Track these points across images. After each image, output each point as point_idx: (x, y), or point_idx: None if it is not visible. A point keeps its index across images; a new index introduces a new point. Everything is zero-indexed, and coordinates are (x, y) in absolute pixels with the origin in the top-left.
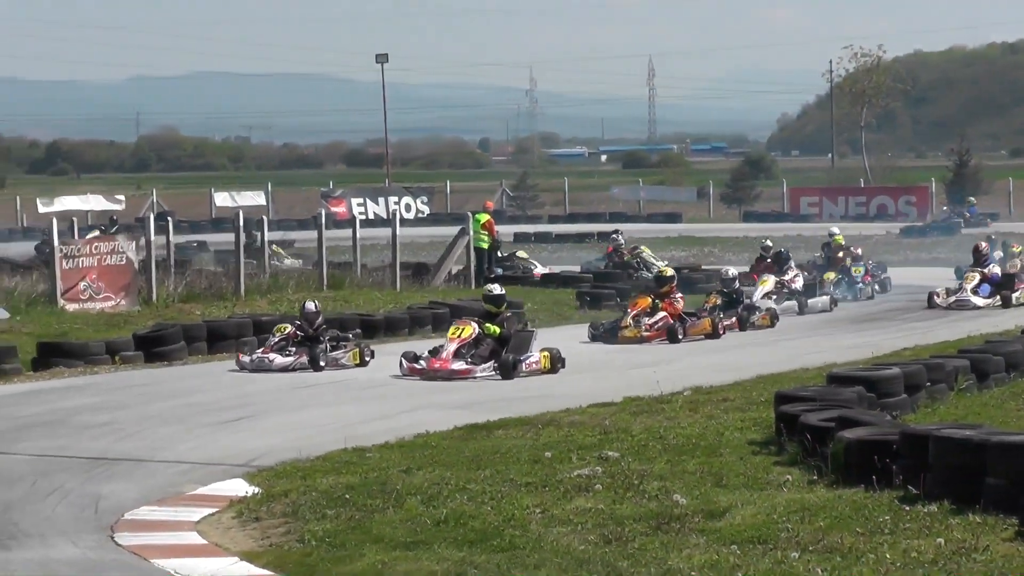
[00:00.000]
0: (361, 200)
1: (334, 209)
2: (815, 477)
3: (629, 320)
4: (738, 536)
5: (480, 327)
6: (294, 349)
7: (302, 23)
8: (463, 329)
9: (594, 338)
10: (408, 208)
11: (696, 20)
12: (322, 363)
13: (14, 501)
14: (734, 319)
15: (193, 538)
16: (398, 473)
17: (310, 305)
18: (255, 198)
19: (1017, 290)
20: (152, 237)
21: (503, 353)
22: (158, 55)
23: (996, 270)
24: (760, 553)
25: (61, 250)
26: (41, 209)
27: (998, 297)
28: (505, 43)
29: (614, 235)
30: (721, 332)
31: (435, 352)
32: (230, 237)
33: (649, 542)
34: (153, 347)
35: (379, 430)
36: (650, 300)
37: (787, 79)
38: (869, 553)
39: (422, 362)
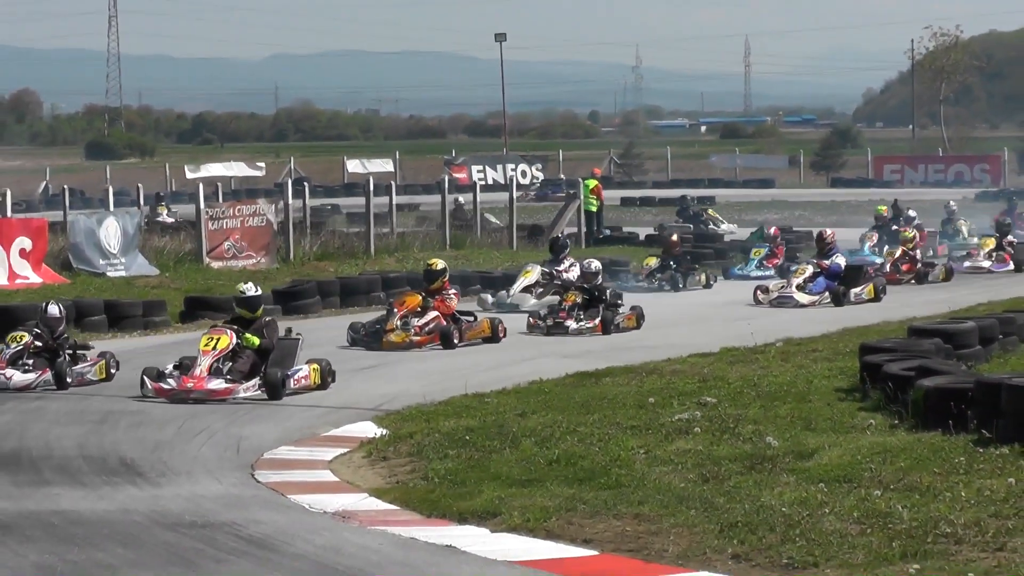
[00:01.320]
0: (481, 167)
1: (456, 175)
2: (896, 422)
3: (396, 322)
4: (825, 475)
5: (239, 336)
6: (31, 363)
7: (428, 4)
8: (218, 339)
9: (354, 342)
10: (524, 174)
11: (789, 2)
12: (68, 379)
13: (163, 442)
14: (597, 321)
15: (326, 475)
16: (514, 416)
17: (53, 308)
18: (384, 165)
19: (861, 287)
20: (290, 201)
21: (265, 367)
22: (295, 35)
23: (839, 261)
24: (845, 491)
25: (207, 212)
26: (188, 175)
27: (826, 295)
28: (613, 23)
29: (683, 197)
30: (501, 335)
31: (185, 368)
32: (361, 200)
33: (743, 480)
34: (291, 301)
35: (496, 377)
36: (420, 298)
37: (872, 56)
38: (946, 491)
39: (171, 380)
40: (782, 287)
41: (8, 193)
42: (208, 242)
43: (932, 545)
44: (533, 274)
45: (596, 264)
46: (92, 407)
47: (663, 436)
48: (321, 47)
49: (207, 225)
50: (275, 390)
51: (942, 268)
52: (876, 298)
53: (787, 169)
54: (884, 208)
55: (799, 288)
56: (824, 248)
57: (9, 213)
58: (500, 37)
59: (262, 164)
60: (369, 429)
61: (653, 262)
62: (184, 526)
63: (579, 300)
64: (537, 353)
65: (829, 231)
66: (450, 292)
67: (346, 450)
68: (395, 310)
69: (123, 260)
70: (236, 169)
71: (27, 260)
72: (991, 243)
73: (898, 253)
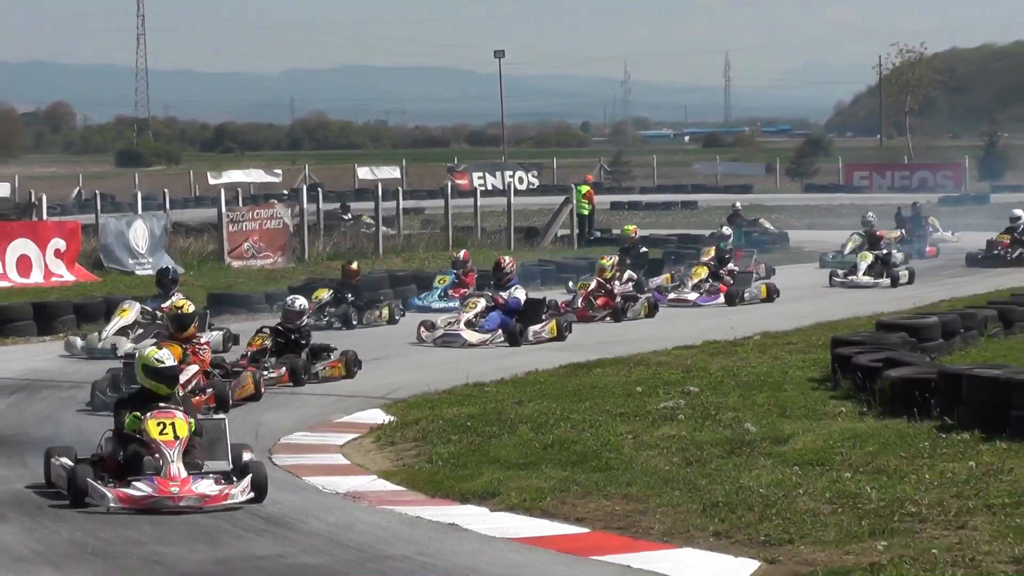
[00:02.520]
0: (481, 174)
1: (458, 181)
2: (865, 409)
3: None
4: (799, 459)
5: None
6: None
7: (433, 23)
8: (174, 424)
9: (96, 408)
10: (521, 180)
11: (766, 21)
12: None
13: None
14: (284, 371)
15: (338, 459)
16: (512, 404)
17: (301, 302)
18: (391, 172)
19: (542, 324)
20: (305, 205)
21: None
22: (310, 51)
23: (518, 295)
24: (818, 473)
25: (227, 215)
26: (211, 181)
27: (499, 333)
28: (603, 41)
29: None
30: (262, 390)
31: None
32: (370, 205)
33: (724, 464)
34: (306, 296)
35: (495, 368)
36: (180, 348)
37: (842, 71)
38: (911, 474)
39: (143, 486)
40: (450, 323)
41: (44, 198)
42: (229, 243)
43: (898, 524)
44: (130, 313)
45: (300, 302)
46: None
47: (649, 422)
48: (334, 63)
49: (228, 227)
50: (261, 492)
51: (644, 303)
52: (559, 336)
53: (764, 175)
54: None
55: (469, 324)
56: (502, 279)
57: (45, 216)
58: (499, 53)
59: (279, 171)
60: (378, 416)
61: (324, 294)
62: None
63: (270, 343)
64: (530, 347)
65: (508, 259)
66: (202, 343)
67: (356, 435)
68: None
69: (150, 259)
70: (255, 176)
71: (61, 259)
72: (702, 272)
73: (592, 285)
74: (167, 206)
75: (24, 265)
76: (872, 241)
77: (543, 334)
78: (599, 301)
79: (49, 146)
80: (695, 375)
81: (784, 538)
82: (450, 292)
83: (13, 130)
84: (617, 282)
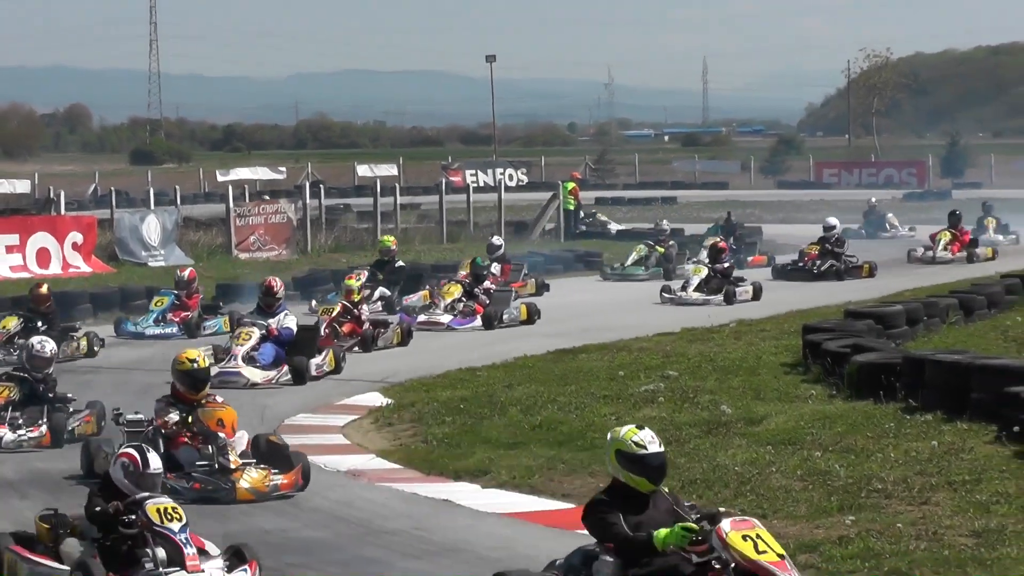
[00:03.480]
0: (473, 171)
1: (452, 178)
2: (834, 392)
3: None
4: (772, 439)
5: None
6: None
7: (428, 31)
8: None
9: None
10: (511, 177)
11: (741, 29)
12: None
13: None
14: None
15: (339, 439)
16: (502, 388)
17: (51, 346)
18: (389, 169)
19: (322, 356)
20: (308, 200)
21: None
22: (313, 57)
23: (290, 324)
24: (790, 452)
25: (235, 211)
26: (219, 179)
27: (285, 370)
28: (588, 47)
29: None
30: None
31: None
32: (369, 200)
33: (701, 443)
34: (309, 287)
35: (486, 355)
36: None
37: (813, 75)
38: (877, 453)
39: None
40: (227, 357)
41: (62, 194)
42: (236, 236)
43: (865, 499)
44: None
45: (51, 346)
46: (134, 380)
47: (631, 404)
48: (336, 67)
49: (235, 221)
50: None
51: (396, 329)
52: (337, 369)
53: (739, 173)
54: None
55: (247, 360)
56: (272, 304)
57: (63, 211)
58: (490, 59)
59: (283, 168)
60: (376, 399)
61: (11, 323)
62: None
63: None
64: (519, 334)
65: (278, 282)
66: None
67: (356, 417)
68: None
69: (162, 252)
70: (261, 173)
71: (79, 252)
72: (455, 291)
73: (337, 309)
74: (178, 202)
75: (43, 257)
76: (714, 254)
77: (324, 367)
78: (345, 328)
79: (67, 145)
80: (674, 360)
81: (758, 513)
82: (168, 316)
83: (33, 130)
84: (366, 305)
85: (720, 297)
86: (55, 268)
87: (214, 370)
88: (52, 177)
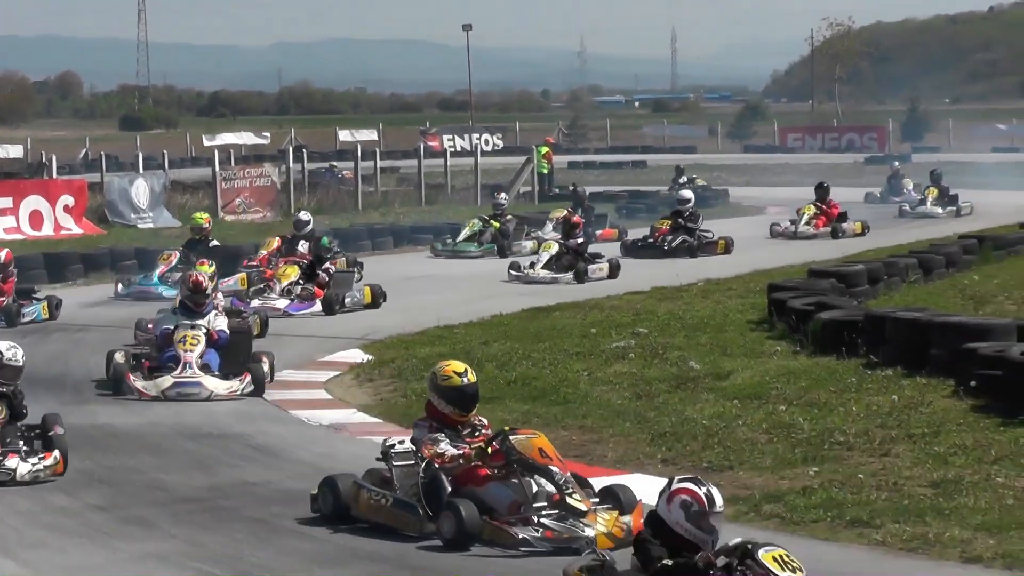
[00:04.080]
0: (451, 136)
1: (430, 143)
2: (798, 348)
3: None
4: (739, 393)
5: None
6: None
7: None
8: None
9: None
10: (487, 142)
11: None
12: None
13: None
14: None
15: (322, 394)
16: (479, 344)
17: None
18: (370, 135)
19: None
20: (291, 164)
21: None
22: (295, 26)
23: (223, 327)
24: (756, 406)
25: (221, 174)
26: (205, 143)
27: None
28: (561, 16)
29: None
30: None
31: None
32: (350, 164)
33: (670, 398)
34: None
35: (464, 312)
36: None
37: (778, 43)
38: (840, 406)
39: None
40: (179, 365)
41: (54, 158)
42: (222, 199)
43: (828, 451)
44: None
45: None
46: (124, 338)
47: (603, 361)
48: (318, 36)
49: (221, 185)
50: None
51: (255, 320)
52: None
53: (707, 137)
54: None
55: (202, 367)
56: (199, 302)
57: (55, 175)
58: (467, 28)
59: (267, 134)
60: (357, 355)
61: None
62: (202, 436)
63: None
64: (496, 292)
65: (204, 277)
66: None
67: (338, 373)
68: None
69: (151, 214)
70: (246, 138)
71: (70, 214)
72: (292, 273)
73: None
74: (166, 166)
75: (36, 219)
76: (567, 229)
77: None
78: None
79: (58, 112)
80: (644, 318)
81: (725, 464)
82: None
83: (25, 97)
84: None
85: (571, 275)
86: (47, 230)
87: (165, 381)
88: (44, 143)
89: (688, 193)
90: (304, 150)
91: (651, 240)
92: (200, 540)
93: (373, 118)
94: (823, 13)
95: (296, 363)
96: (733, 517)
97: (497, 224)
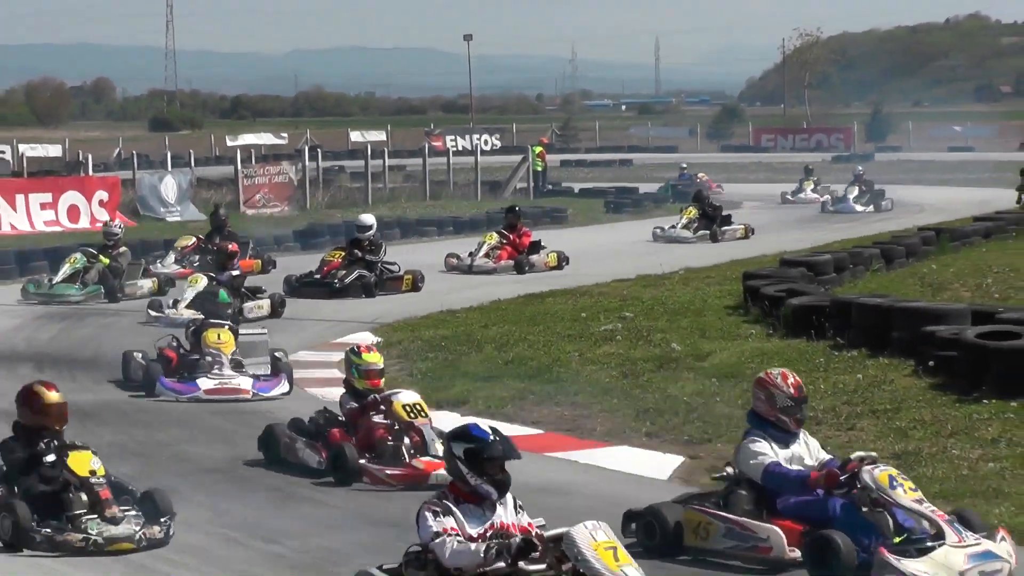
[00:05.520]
0: (453, 136)
1: (434, 143)
2: (771, 331)
3: None
4: (717, 372)
5: None
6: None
7: (414, 12)
8: None
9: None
10: (486, 142)
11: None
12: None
13: None
14: None
15: (335, 373)
16: (479, 327)
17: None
18: (379, 135)
19: None
20: (307, 162)
21: None
22: (311, 35)
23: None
24: (732, 384)
25: (242, 172)
26: (228, 143)
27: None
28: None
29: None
30: None
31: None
32: (361, 162)
33: (654, 376)
34: (308, 239)
35: (464, 298)
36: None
37: (753, 51)
38: (809, 385)
39: None
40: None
41: (90, 157)
42: (244, 194)
43: None
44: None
45: None
46: (147, 331)
47: (593, 342)
48: (330, 44)
49: (243, 181)
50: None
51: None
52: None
53: (688, 138)
54: None
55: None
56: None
57: (91, 172)
58: (468, 37)
59: (285, 134)
60: (367, 337)
61: None
62: (225, 412)
63: None
64: (494, 280)
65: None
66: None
67: None
68: None
69: (178, 208)
70: (265, 138)
71: (104, 208)
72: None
73: None
74: (192, 164)
75: (73, 213)
76: (222, 260)
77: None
78: None
79: (93, 114)
80: (630, 303)
81: (704, 437)
82: None
83: (63, 101)
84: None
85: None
86: (83, 223)
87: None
88: (80, 143)
89: (369, 218)
90: (319, 149)
91: (318, 276)
92: (223, 507)
93: (382, 120)
94: (794, 24)
95: (311, 344)
96: (711, 484)
97: (106, 260)
